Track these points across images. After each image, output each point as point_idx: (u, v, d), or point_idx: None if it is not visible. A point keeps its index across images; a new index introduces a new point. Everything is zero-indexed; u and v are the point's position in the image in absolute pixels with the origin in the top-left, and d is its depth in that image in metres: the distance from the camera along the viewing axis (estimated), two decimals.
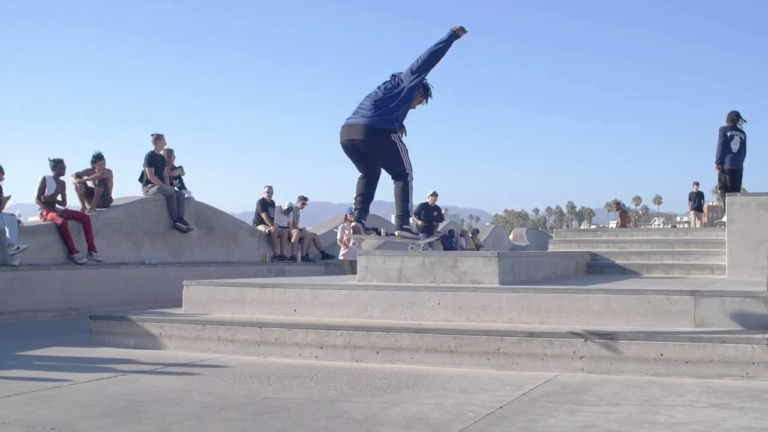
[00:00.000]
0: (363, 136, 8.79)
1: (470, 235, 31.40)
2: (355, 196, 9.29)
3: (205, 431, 5.13)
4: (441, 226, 25.65)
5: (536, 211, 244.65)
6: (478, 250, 28.11)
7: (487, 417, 5.47)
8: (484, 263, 8.81)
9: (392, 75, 9.09)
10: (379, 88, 9.05)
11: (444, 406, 5.85)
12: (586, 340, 7.23)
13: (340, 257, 19.96)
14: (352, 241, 17.30)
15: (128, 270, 14.77)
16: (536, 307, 8.08)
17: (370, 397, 6.18)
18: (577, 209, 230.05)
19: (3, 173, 13.69)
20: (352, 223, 9.33)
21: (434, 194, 22.78)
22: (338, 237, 18.54)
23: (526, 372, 7.23)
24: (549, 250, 14.74)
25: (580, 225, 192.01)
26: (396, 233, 9.29)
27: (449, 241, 27.50)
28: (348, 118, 8.94)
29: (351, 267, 17.03)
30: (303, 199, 21.69)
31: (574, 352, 7.23)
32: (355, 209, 9.34)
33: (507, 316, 8.15)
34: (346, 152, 8.99)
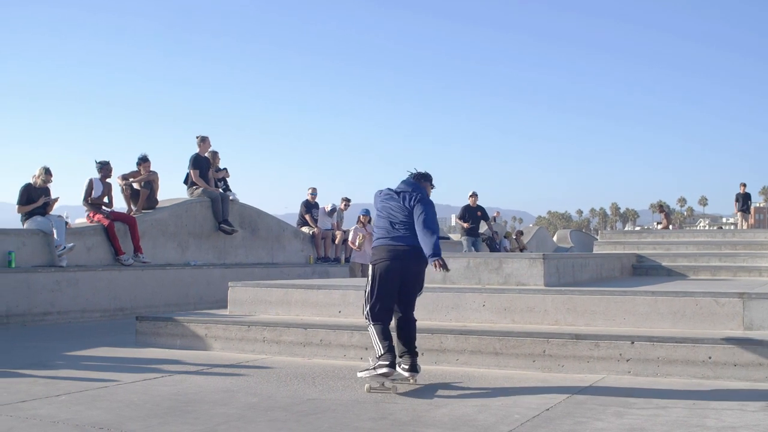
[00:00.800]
0: None
1: (514, 237, 31.25)
2: None
3: None
4: (484, 227, 25.56)
5: (580, 212, 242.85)
6: (521, 251, 27.98)
7: (533, 419, 5.45)
8: (530, 265, 8.77)
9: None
10: None
11: (490, 407, 5.84)
12: (632, 343, 7.17)
13: (353, 260, 19.96)
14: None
15: (173, 271, 14.86)
16: (582, 309, 8.03)
17: (415, 399, 6.18)
18: (622, 210, 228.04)
19: (51, 175, 13.84)
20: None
21: (474, 195, 22.61)
22: (350, 239, 18.51)
23: (572, 374, 7.19)
24: (594, 252, 14.65)
25: (624, 226, 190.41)
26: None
27: (493, 243, 27.40)
28: None
29: (362, 270, 16.96)
30: (346, 201, 21.70)
31: (620, 354, 7.17)
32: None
33: (552, 318, 8.11)
34: None
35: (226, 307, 9.89)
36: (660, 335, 7.21)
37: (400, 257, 6.92)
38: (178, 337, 9.10)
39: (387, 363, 6.58)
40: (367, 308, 6.91)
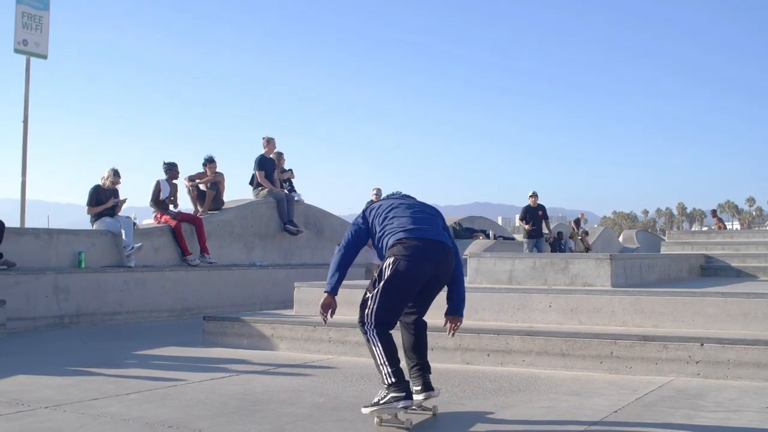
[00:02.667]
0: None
1: (579, 237, 31.01)
2: None
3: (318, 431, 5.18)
4: (566, 229, 25.40)
5: (645, 212, 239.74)
6: (587, 252, 27.75)
7: (601, 421, 5.40)
8: (596, 265, 8.69)
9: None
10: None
11: (557, 409, 5.80)
12: (702, 345, 7.07)
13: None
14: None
15: (239, 272, 14.98)
16: (650, 310, 7.94)
17: (482, 400, 6.16)
18: (688, 210, 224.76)
19: (119, 177, 14.05)
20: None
21: (534, 195, 22.42)
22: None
23: (639, 376, 7.11)
24: (661, 252, 14.47)
25: (691, 227, 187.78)
26: None
27: (558, 243, 27.22)
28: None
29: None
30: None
31: (689, 356, 7.07)
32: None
33: (620, 319, 8.03)
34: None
35: (291, 307, 9.94)
36: (730, 337, 7.10)
37: (434, 254, 5.53)
38: (245, 337, 9.17)
39: (403, 394, 5.30)
40: (372, 316, 5.50)
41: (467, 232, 23.99)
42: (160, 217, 14.68)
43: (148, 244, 13.90)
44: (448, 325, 5.94)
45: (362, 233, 5.83)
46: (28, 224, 15.02)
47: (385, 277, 5.47)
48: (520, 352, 7.69)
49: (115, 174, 13.97)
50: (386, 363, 5.41)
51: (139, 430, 5.16)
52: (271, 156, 17.13)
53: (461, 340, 7.88)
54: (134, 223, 13.96)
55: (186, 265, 14.26)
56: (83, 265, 12.66)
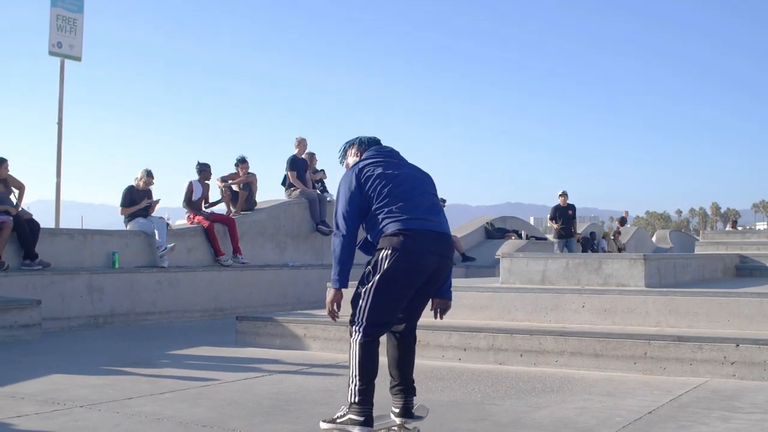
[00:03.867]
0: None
1: (612, 237, 30.82)
2: None
3: None
4: (582, 226, 25.30)
5: (679, 212, 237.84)
6: (620, 252, 27.58)
7: (635, 422, 5.37)
8: (630, 265, 8.64)
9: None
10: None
11: (590, 410, 5.77)
12: (737, 345, 7.01)
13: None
14: None
15: (272, 272, 15.01)
16: (684, 311, 7.88)
17: (515, 400, 6.14)
18: (722, 210, 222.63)
19: (152, 178, 14.12)
20: None
21: (564, 194, 22.27)
22: None
23: (674, 377, 7.06)
24: (695, 253, 14.37)
25: (725, 227, 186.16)
26: None
27: (590, 244, 27.07)
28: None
29: None
30: (441, 201, 21.71)
31: (725, 357, 7.02)
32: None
33: (654, 319, 7.98)
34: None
35: (323, 307, 9.94)
36: (767, 338, 7.04)
37: (438, 247, 4.87)
38: (278, 337, 9.20)
39: (362, 419, 4.78)
40: (363, 315, 4.79)
41: (499, 232, 23.88)
42: (193, 218, 14.75)
43: (181, 244, 13.97)
44: (437, 308, 5.30)
45: (362, 206, 4.91)
46: (62, 225, 15.15)
47: (382, 270, 4.72)
48: (553, 352, 7.66)
49: (149, 175, 14.05)
50: (358, 377, 4.79)
51: (174, 429, 5.19)
52: (303, 156, 17.16)
53: (494, 340, 7.87)
54: (167, 224, 14.04)
55: (219, 265, 14.32)
56: (117, 266, 12.74)
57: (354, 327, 4.86)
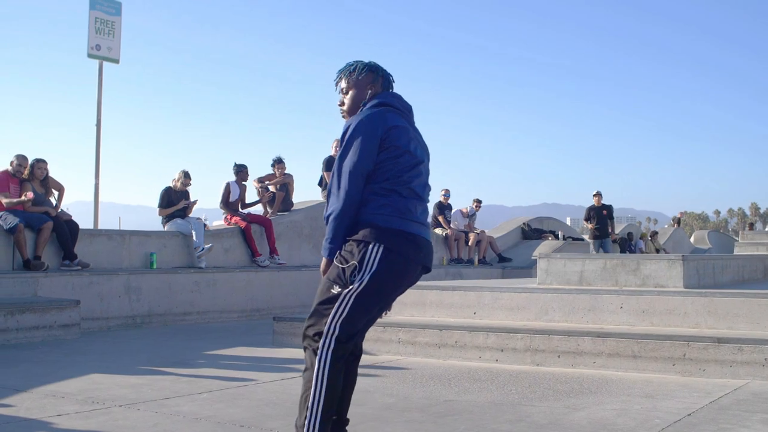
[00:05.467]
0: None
1: (649, 238, 30.61)
2: None
3: None
4: (619, 227, 25.14)
5: (717, 213, 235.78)
6: (658, 253, 27.40)
7: (674, 424, 5.32)
8: (668, 266, 8.58)
9: None
10: None
11: (629, 411, 5.73)
12: None
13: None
14: None
15: (308, 272, 15.03)
16: (724, 312, 7.81)
17: (552, 402, 6.11)
18: (762, 210, 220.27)
19: (190, 179, 14.22)
20: None
21: (598, 194, 22.14)
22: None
23: (713, 379, 7.00)
24: (735, 253, 14.24)
25: (765, 227, 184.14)
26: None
27: (628, 244, 26.92)
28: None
29: None
30: (477, 202, 21.71)
31: (765, 359, 6.94)
32: None
33: (693, 320, 7.91)
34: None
35: None
36: None
37: (428, 258, 4.30)
38: None
39: None
40: (336, 326, 4.00)
41: (536, 233, 23.83)
42: (230, 219, 14.83)
43: (218, 245, 14.05)
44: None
45: (370, 170, 4.10)
46: (100, 226, 15.28)
47: (372, 269, 3.98)
48: (590, 353, 7.62)
49: (186, 176, 14.15)
50: (320, 407, 3.95)
51: (212, 429, 5.21)
52: None
53: (531, 341, 7.84)
54: (205, 225, 14.12)
55: (256, 266, 14.38)
56: (155, 266, 12.83)
57: (323, 338, 3.99)
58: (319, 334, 4.04)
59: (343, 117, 4.42)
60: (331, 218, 4.10)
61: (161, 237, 13.51)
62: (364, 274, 3.99)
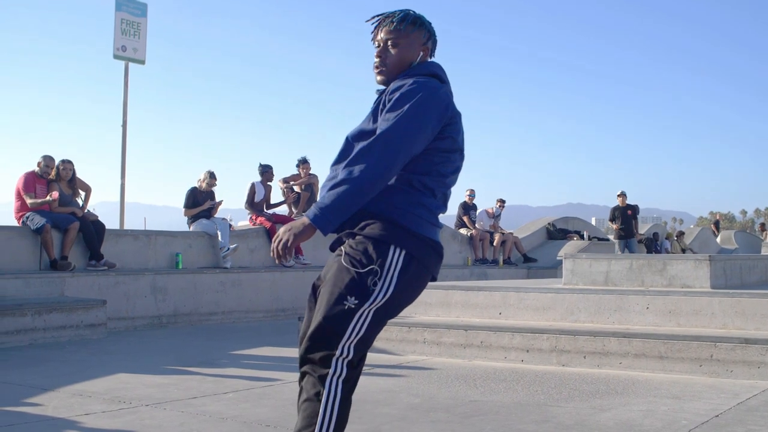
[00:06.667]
0: None
1: (675, 238, 30.46)
2: None
3: None
4: (643, 227, 25.01)
5: (744, 212, 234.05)
6: (684, 253, 27.25)
7: (702, 425, 5.29)
8: (695, 266, 8.53)
9: None
10: None
11: (655, 413, 5.70)
12: None
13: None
14: None
15: None
16: (751, 313, 7.75)
17: (578, 402, 6.09)
18: None
19: (215, 179, 14.27)
20: None
21: (622, 194, 22.04)
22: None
23: (741, 380, 6.95)
24: (763, 254, 14.14)
25: None
26: None
27: (653, 245, 26.79)
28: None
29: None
30: (501, 202, 21.68)
31: None
32: None
33: (720, 321, 7.86)
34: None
35: None
36: None
37: (438, 270, 3.46)
38: None
39: None
40: (351, 347, 3.21)
41: (561, 233, 23.74)
42: (255, 219, 14.88)
43: (244, 245, 14.09)
44: None
45: (423, 149, 3.29)
46: (126, 226, 15.36)
47: (395, 278, 3.22)
48: (617, 354, 7.58)
49: (211, 176, 14.20)
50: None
51: (238, 429, 5.22)
52: None
53: (557, 342, 7.81)
54: (230, 225, 14.18)
55: (281, 266, 14.37)
56: (180, 266, 12.89)
57: (334, 363, 3.19)
58: (329, 357, 3.18)
59: (380, 76, 3.50)
60: (347, 185, 3.15)
61: (187, 237, 13.57)
62: (385, 282, 3.20)
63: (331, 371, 3.18)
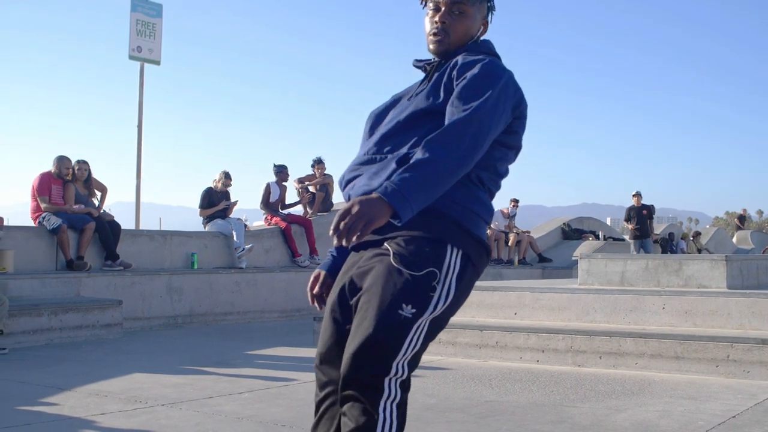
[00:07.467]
0: None
1: (691, 238, 30.36)
2: None
3: None
4: (658, 227, 24.94)
5: (760, 212, 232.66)
6: (699, 253, 27.16)
7: (718, 426, 5.27)
8: (711, 266, 8.50)
9: None
10: None
11: (672, 413, 5.69)
12: None
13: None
14: None
15: None
16: None
17: (594, 403, 6.08)
18: None
19: (230, 180, 14.30)
20: None
21: (637, 194, 21.99)
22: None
23: (758, 381, 6.92)
24: None
25: None
26: None
27: (669, 245, 26.71)
28: None
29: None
30: (514, 201, 21.68)
31: None
32: None
33: (736, 321, 7.82)
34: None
35: None
36: None
37: None
38: None
39: None
40: (405, 361, 2.64)
41: (576, 233, 23.70)
42: (271, 219, 14.90)
43: (259, 245, 14.11)
44: None
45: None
46: (141, 227, 15.39)
47: (453, 285, 2.71)
48: (632, 354, 7.56)
49: (227, 176, 14.23)
50: None
51: (253, 428, 5.23)
52: None
53: (573, 342, 7.80)
54: (245, 225, 14.21)
55: (296, 266, 14.43)
56: (196, 266, 12.91)
57: (388, 385, 2.62)
58: (380, 378, 2.61)
59: (440, 46, 2.94)
60: (438, 161, 2.58)
61: (202, 237, 13.60)
62: (444, 287, 2.68)
63: (384, 395, 2.60)
